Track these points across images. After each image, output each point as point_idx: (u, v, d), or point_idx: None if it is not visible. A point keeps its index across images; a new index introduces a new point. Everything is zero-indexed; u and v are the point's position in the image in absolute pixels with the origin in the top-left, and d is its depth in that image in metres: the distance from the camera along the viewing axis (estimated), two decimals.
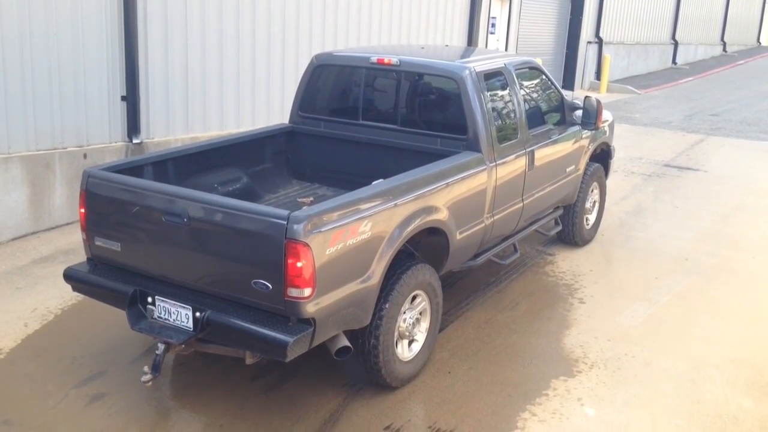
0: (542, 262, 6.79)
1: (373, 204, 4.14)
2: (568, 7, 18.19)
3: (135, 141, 7.88)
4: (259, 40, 9.20)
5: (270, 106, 9.49)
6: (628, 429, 4.23)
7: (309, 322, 3.84)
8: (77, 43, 7.19)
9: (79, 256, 4.88)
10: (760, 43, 35.63)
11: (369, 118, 5.64)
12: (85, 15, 7.22)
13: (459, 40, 13.19)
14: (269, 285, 3.78)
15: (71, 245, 6.62)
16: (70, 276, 4.46)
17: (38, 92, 6.90)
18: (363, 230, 4.07)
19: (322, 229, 3.80)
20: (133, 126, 7.90)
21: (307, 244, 3.71)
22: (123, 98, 7.75)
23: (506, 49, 14.99)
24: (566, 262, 6.83)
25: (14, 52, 6.65)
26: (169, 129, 8.34)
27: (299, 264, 3.71)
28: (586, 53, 18.84)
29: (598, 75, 19.05)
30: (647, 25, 22.59)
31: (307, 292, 3.76)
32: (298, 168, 5.87)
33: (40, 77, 6.89)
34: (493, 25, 14.65)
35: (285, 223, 3.72)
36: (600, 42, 19.34)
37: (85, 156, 7.45)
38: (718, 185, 9.86)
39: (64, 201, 7.30)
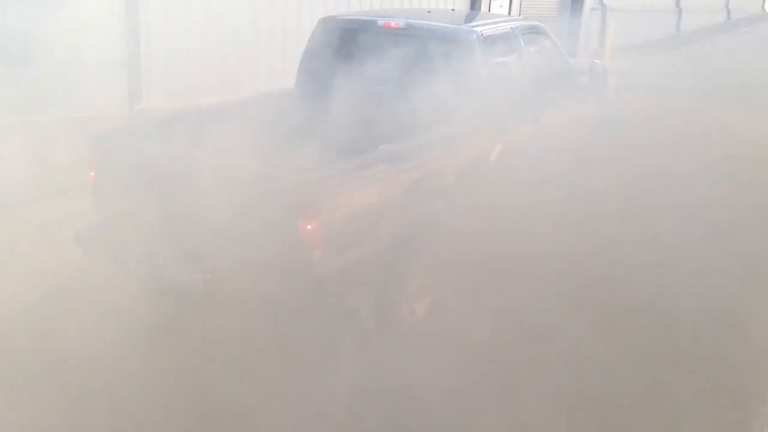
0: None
1: (381, 168, 4.17)
2: None
3: (137, 107, 7.88)
4: (261, 5, 9.13)
5: (272, 70, 9.43)
6: None
7: (320, 285, 3.89)
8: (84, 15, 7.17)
9: None
10: (765, 11, 35.30)
11: (375, 82, 5.65)
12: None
13: (463, 4, 13.07)
14: (281, 247, 3.83)
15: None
16: (80, 239, 4.51)
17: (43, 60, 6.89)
18: (372, 193, 4.11)
19: (333, 192, 3.83)
20: (136, 93, 7.90)
21: (317, 207, 3.75)
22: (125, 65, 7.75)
23: (509, 15, 14.86)
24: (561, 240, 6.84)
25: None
26: (169, 96, 8.31)
27: (309, 226, 3.76)
28: (590, 19, 18.67)
29: (602, 42, 18.90)
30: None
31: (317, 253, 3.81)
32: (304, 130, 5.88)
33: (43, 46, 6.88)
34: None
35: (295, 185, 3.76)
36: (604, 8, 19.16)
37: (89, 122, 7.44)
38: (714, 152, 9.77)
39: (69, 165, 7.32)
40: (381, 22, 5.50)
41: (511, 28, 5.66)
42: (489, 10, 14.01)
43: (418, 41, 5.57)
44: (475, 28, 5.31)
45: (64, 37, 6.93)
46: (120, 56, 7.64)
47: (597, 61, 6.43)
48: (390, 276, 4.38)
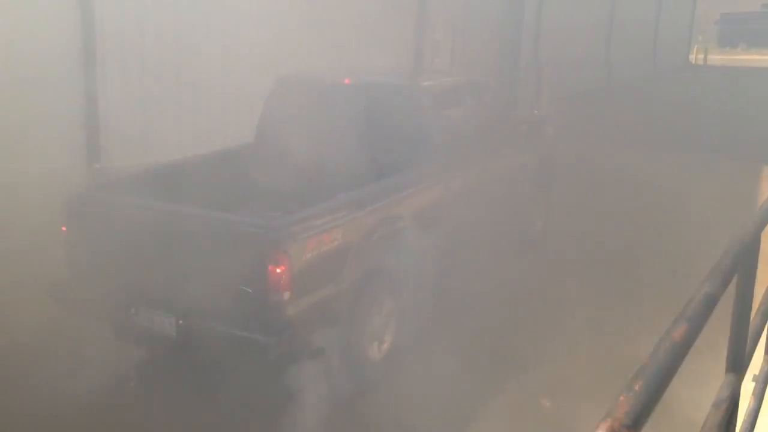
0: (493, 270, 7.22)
1: (342, 213, 4.48)
2: (508, 30, 18.93)
3: (96, 166, 8.05)
4: (212, 70, 9.48)
5: (228, 128, 9.73)
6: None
7: (288, 325, 4.13)
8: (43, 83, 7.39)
9: None
10: (689, 62, 37.36)
11: (330, 134, 5.99)
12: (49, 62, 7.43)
13: (406, 61, 13.66)
14: (250, 290, 4.07)
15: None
16: (53, 293, 4.66)
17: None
18: (335, 237, 4.40)
19: (299, 237, 4.11)
20: (93, 152, 8.08)
21: (285, 251, 4.02)
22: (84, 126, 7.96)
23: (451, 69, 15.54)
24: (515, 267, 7.26)
25: None
26: (127, 155, 8.52)
27: (278, 269, 4.02)
28: (526, 73, 19.59)
29: (539, 93, 19.81)
30: (583, 45, 23.59)
31: (286, 295, 4.06)
32: (266, 182, 6.16)
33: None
34: (438, 48, 15.20)
35: (264, 231, 4.03)
36: (538, 62, 20.13)
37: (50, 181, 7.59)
38: (651, 196, 10.48)
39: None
40: (335, 78, 5.89)
41: (456, 82, 6.13)
42: (432, 64, 14.65)
43: (369, 96, 5.97)
44: (422, 83, 5.74)
45: (22, 96, 7.15)
46: (79, 118, 7.84)
47: (535, 111, 6.95)
48: (353, 316, 4.64)
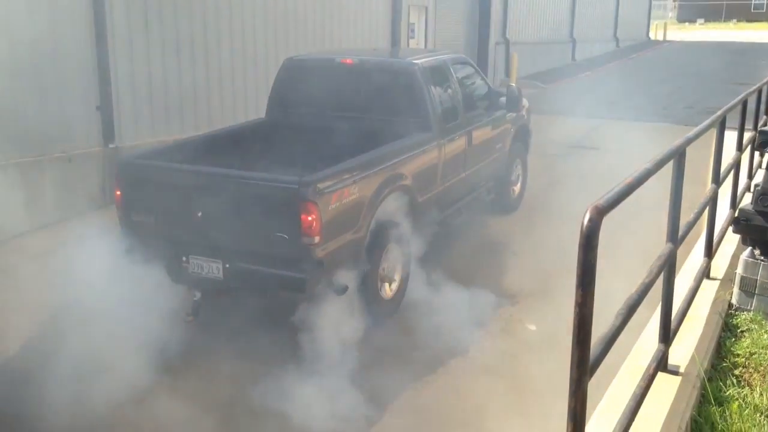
0: (479, 225, 8.14)
1: (357, 172, 5.33)
2: (477, 12, 19.81)
3: (111, 146, 8.78)
4: (222, 54, 10.23)
5: (235, 108, 10.51)
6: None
7: (319, 264, 4.99)
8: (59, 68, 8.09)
9: None
10: (649, 38, 38.64)
11: (335, 109, 6.82)
12: (63, 43, 8.12)
13: (384, 43, 14.49)
14: (287, 236, 4.92)
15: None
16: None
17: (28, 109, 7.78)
18: (352, 192, 5.26)
19: (325, 191, 4.96)
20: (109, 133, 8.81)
21: (315, 203, 4.86)
22: (98, 108, 8.67)
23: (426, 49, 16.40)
24: (499, 225, 8.19)
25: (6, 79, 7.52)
26: (138, 134, 9.25)
27: (310, 218, 4.87)
28: (495, 53, 20.51)
29: (507, 72, 20.76)
30: (548, 25, 24.59)
31: (316, 239, 4.92)
32: (285, 149, 7.00)
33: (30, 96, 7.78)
34: (413, 30, 16.04)
35: (297, 187, 4.87)
36: (507, 42, 21.06)
37: (69, 160, 8.31)
38: (613, 160, 11.47)
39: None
40: (338, 59, 6.72)
41: (443, 59, 7.00)
42: (408, 46, 15.49)
43: (369, 74, 6.80)
44: (416, 61, 6.60)
45: (43, 86, 7.84)
46: (94, 102, 8.55)
47: (512, 84, 7.84)
48: (368, 259, 5.51)
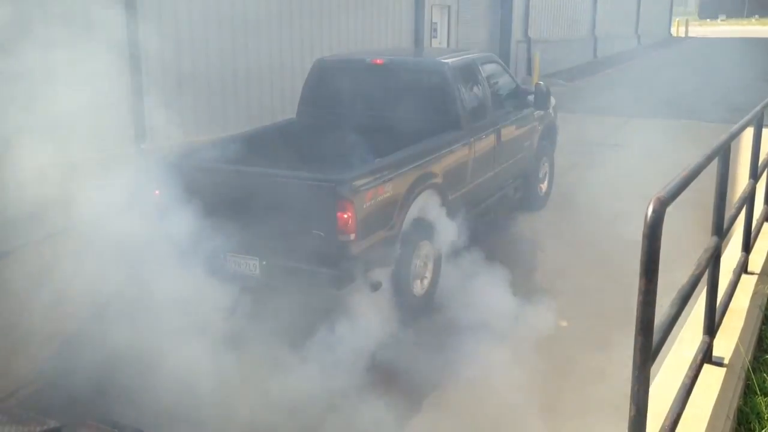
0: (507, 223, 8.16)
1: (390, 171, 5.39)
2: (499, 11, 19.80)
3: (143, 146, 8.90)
4: (249, 55, 10.33)
5: (262, 108, 10.59)
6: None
7: (354, 260, 5.05)
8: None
9: None
10: (670, 35, 38.38)
11: (365, 109, 6.88)
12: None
13: (407, 43, 14.55)
14: (323, 233, 4.98)
15: None
16: None
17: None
18: (386, 190, 5.32)
19: (360, 189, 5.02)
20: (141, 134, 8.93)
21: (351, 200, 4.92)
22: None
23: (448, 48, 16.40)
24: (527, 222, 8.21)
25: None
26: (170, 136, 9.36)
27: (346, 215, 4.93)
28: (517, 51, 20.48)
29: (529, 70, 20.73)
30: (569, 22, 24.51)
31: (352, 236, 4.98)
32: (318, 148, 7.06)
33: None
34: (435, 30, 16.06)
35: (334, 185, 4.93)
36: (528, 41, 21.03)
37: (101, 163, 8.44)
38: (639, 158, 11.42)
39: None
40: (369, 59, 6.78)
41: (472, 58, 7.03)
42: (430, 45, 15.52)
43: (399, 73, 6.86)
44: (446, 60, 6.65)
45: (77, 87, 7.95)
46: (126, 104, 8.68)
47: (541, 82, 7.86)
48: (401, 257, 5.56)
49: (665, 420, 2.49)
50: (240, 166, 5.46)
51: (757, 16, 57.57)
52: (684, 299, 2.38)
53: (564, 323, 5.76)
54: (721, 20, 58.13)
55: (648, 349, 2.00)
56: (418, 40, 14.90)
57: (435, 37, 16.10)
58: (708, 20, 58.35)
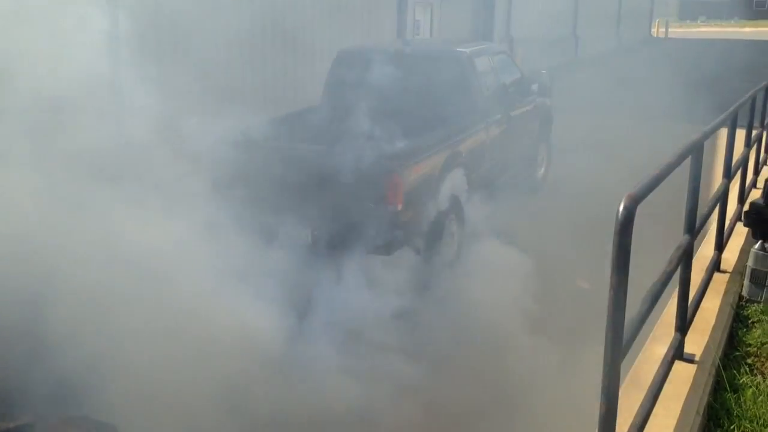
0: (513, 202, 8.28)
1: (428, 149, 5.90)
2: (481, 10, 19.90)
3: None
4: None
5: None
6: None
7: (402, 228, 5.47)
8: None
9: None
10: (651, 35, 38.69)
11: (389, 96, 6.93)
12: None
13: (390, 34, 14.62)
14: (373, 204, 5.39)
15: None
16: None
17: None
18: (426, 166, 5.83)
19: (407, 164, 5.50)
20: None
21: (400, 173, 5.39)
22: None
23: None
24: (531, 202, 8.43)
25: None
26: None
27: (395, 187, 5.36)
28: None
29: None
30: (551, 22, 24.66)
31: (399, 207, 5.41)
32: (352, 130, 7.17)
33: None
34: (418, 27, 16.13)
35: (385, 160, 5.39)
36: (511, 39, 21.14)
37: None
38: (623, 149, 11.52)
39: None
40: (390, 49, 7.14)
41: (485, 48, 7.59)
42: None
43: (421, 62, 7.24)
44: (464, 49, 7.19)
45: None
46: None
47: (544, 71, 8.22)
48: (436, 228, 5.98)
49: (636, 416, 2.55)
50: (298, 143, 5.96)
51: (736, 17, 58.18)
52: (655, 296, 2.44)
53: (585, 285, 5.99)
54: (701, 21, 58.74)
55: (619, 345, 2.05)
56: (400, 36, 14.93)
57: (418, 34, 16.15)
58: (688, 21, 58.94)
